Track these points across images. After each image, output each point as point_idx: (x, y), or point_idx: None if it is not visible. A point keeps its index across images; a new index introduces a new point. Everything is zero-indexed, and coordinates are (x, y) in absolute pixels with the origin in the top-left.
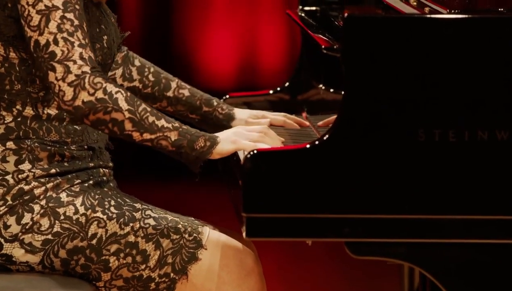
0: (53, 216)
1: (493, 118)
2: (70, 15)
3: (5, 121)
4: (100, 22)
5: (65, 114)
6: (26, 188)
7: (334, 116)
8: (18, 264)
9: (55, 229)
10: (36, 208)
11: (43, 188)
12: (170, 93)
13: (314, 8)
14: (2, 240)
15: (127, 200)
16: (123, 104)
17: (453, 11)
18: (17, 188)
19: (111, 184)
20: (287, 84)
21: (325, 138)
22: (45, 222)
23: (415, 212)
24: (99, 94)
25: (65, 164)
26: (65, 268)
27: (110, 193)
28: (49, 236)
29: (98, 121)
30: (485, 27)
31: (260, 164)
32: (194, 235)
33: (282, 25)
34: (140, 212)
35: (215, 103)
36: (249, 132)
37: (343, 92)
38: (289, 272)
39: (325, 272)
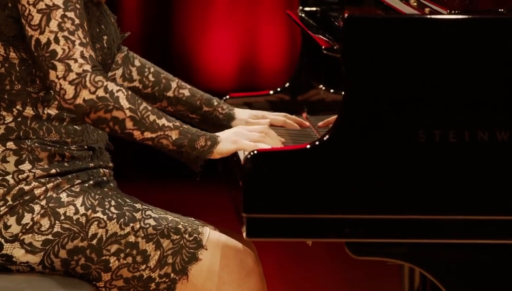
0: (54, 216)
1: (493, 118)
2: (71, 14)
3: (5, 122)
4: (100, 22)
5: (65, 114)
6: (27, 188)
7: (334, 117)
8: (18, 264)
9: (55, 229)
10: (37, 208)
11: (43, 188)
12: (170, 93)
13: (314, 8)
14: (3, 240)
15: (128, 200)
16: (124, 103)
17: (453, 11)
18: (17, 188)
19: (111, 184)
20: (287, 84)
21: (325, 138)
22: (45, 222)
23: (415, 212)
24: (100, 92)
25: (65, 164)
26: (66, 268)
27: (110, 193)
28: (50, 236)
29: (99, 120)
30: (485, 28)
31: (261, 164)
32: (195, 235)
33: (282, 25)
34: (140, 212)
35: (215, 103)
36: (249, 132)
37: (343, 93)
38: (289, 272)
39: (326, 273)
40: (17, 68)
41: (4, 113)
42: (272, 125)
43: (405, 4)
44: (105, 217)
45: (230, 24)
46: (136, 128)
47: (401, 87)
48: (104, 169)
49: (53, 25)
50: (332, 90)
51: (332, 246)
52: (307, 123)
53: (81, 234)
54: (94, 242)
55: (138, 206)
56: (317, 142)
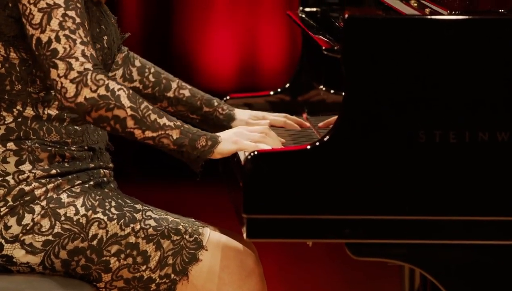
0: (54, 217)
1: (494, 119)
2: (71, 13)
3: (6, 122)
4: (100, 22)
5: (65, 114)
6: (27, 188)
7: (335, 117)
8: (18, 265)
9: (55, 230)
10: (37, 208)
11: (44, 188)
12: (170, 94)
13: (314, 9)
14: (3, 241)
15: (128, 201)
16: (126, 102)
17: (453, 12)
18: (17, 188)
19: (111, 185)
20: (287, 85)
21: (325, 139)
22: (45, 223)
23: (415, 213)
24: (102, 91)
25: (66, 164)
26: (66, 269)
27: (110, 193)
28: (50, 237)
29: (100, 119)
30: (486, 28)
31: (261, 164)
32: (195, 236)
33: (282, 26)
34: (140, 213)
35: (215, 104)
36: (250, 132)
37: (343, 93)
38: (289, 273)
39: (326, 273)
40: (18, 69)
41: (4, 113)
42: (272, 126)
43: (405, 4)
44: (105, 218)
45: (230, 25)
46: (137, 127)
47: (402, 87)
48: (104, 170)
49: (54, 24)
50: (332, 91)
51: (332, 247)
52: (308, 124)
53: (82, 235)
54: (95, 242)
55: (138, 206)
56: (317, 143)
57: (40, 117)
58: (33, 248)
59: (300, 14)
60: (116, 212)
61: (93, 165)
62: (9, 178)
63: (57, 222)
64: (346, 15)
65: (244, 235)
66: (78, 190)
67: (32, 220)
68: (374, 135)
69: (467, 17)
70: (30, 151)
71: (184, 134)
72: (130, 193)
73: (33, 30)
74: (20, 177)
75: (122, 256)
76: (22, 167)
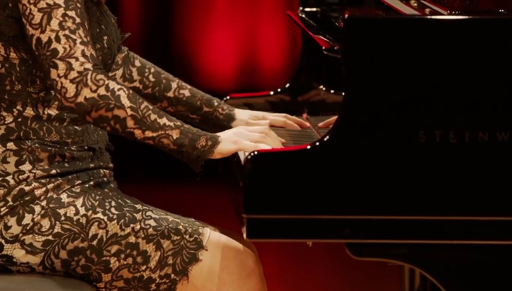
0: (54, 217)
1: (494, 119)
2: (71, 13)
3: (6, 122)
4: (100, 22)
5: (65, 114)
6: (27, 188)
7: (335, 117)
8: (18, 265)
9: (55, 230)
10: (37, 208)
11: (44, 188)
12: (170, 94)
13: (314, 9)
14: (3, 241)
15: (128, 201)
16: (126, 102)
17: (453, 12)
18: (17, 188)
19: (111, 185)
20: (287, 85)
21: (325, 139)
22: (45, 223)
23: (415, 213)
24: (102, 91)
25: (66, 164)
26: (66, 269)
27: (110, 194)
28: (50, 237)
29: (100, 119)
30: (486, 28)
31: (261, 164)
32: (195, 236)
33: (282, 26)
34: (140, 213)
35: (215, 104)
36: (250, 132)
37: (343, 93)
38: (289, 273)
39: (326, 273)
40: (18, 69)
41: (4, 113)
42: (272, 126)
43: (405, 4)
44: (105, 218)
45: (230, 25)
46: (137, 127)
47: (402, 87)
48: (104, 170)
49: (54, 24)
50: (332, 91)
51: (332, 247)
52: (308, 124)
53: (82, 235)
54: (95, 242)
55: (138, 206)
56: (317, 143)
57: (40, 117)
58: (33, 248)
59: (300, 14)
60: (116, 212)
61: (93, 165)
62: (9, 178)
63: (57, 222)
64: (346, 15)
65: (244, 235)
66: (78, 190)
67: (32, 220)
68: (374, 135)
69: (467, 17)
70: (30, 151)
71: (184, 134)
72: (130, 193)
73: (33, 30)
74: (20, 177)
75: (122, 256)
76: (22, 167)
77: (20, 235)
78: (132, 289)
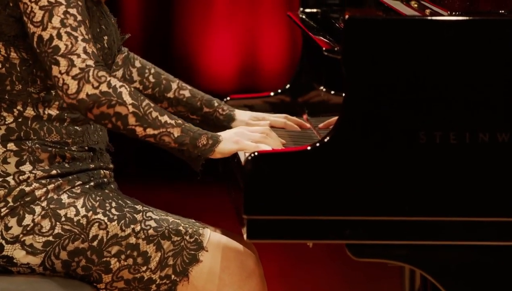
0: (54, 218)
1: (494, 120)
2: (73, 11)
3: (6, 122)
4: (101, 22)
5: (66, 115)
6: (27, 189)
7: (335, 118)
8: (19, 266)
9: (56, 231)
10: (37, 209)
11: (44, 189)
12: (170, 94)
13: (315, 10)
14: (3, 242)
15: (128, 202)
16: (127, 98)
17: (454, 13)
18: (18, 189)
19: (112, 186)
20: (288, 86)
21: (326, 140)
22: (46, 224)
23: (416, 214)
24: (104, 87)
25: (66, 165)
26: (66, 269)
27: (111, 194)
28: (50, 238)
29: (101, 115)
30: (486, 29)
31: (261, 165)
32: (195, 237)
33: (283, 27)
34: (141, 213)
35: (215, 104)
36: (251, 133)
37: (343, 94)
38: (290, 274)
39: (326, 274)
40: (18, 69)
41: (4, 114)
42: (272, 127)
43: (406, 5)
44: (105, 219)
45: (230, 26)
46: (138, 125)
47: (402, 88)
48: (104, 170)
49: (56, 21)
50: (332, 92)
51: (332, 248)
52: (308, 125)
53: (82, 236)
54: (95, 243)
55: (138, 207)
56: (317, 144)
57: (41, 117)
58: (33, 249)
59: (300, 15)
60: (117, 213)
61: (93, 166)
62: (9, 178)
63: (58, 223)
64: (347, 16)
65: (245, 236)
66: (78, 191)
67: (33, 220)
68: (375, 136)
69: (467, 18)
70: (31, 152)
71: (185, 132)
72: (130, 193)
73: (35, 28)
74: (21, 177)
75: (123, 256)
76: (22, 168)
77: (21, 235)
78: (132, 290)
